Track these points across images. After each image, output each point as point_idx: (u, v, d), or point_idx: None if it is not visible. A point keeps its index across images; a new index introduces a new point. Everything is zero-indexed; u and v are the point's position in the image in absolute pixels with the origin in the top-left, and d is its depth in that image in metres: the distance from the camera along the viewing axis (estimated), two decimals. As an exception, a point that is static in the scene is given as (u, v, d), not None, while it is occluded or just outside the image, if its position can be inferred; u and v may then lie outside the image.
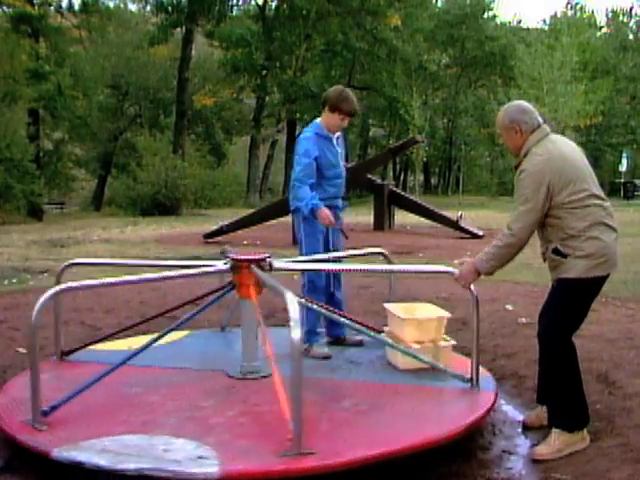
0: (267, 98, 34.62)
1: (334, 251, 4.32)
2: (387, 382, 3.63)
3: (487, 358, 4.46)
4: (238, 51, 32.74)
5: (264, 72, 32.71)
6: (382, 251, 4.41)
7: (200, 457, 2.64)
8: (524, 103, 3.29)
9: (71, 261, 4.10)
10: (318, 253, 4.21)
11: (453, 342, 3.89)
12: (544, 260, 3.27)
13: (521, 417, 3.60)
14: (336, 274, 4.35)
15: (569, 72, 28.53)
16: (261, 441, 2.81)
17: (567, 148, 3.18)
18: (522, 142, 3.19)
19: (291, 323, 2.67)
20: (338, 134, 4.30)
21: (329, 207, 4.18)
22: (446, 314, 3.97)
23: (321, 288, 4.24)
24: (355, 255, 4.55)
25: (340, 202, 4.39)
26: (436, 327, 3.89)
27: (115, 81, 35.50)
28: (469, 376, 3.52)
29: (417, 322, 3.87)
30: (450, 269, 3.54)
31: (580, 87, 28.38)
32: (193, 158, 27.13)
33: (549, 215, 3.10)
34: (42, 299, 2.99)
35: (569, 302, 3.14)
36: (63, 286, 3.19)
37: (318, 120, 4.28)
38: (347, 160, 4.85)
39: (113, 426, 2.98)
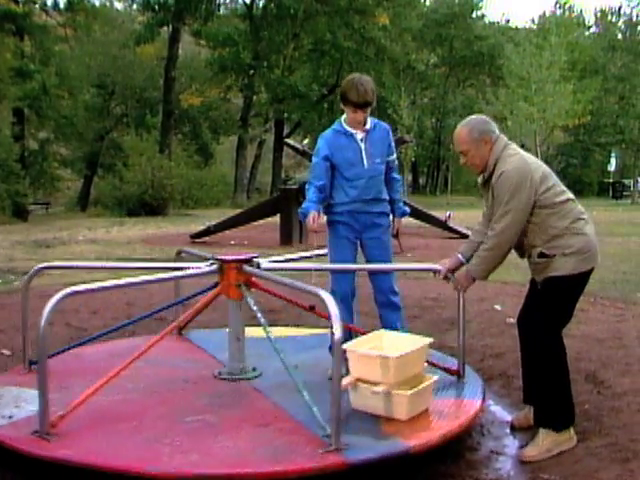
0: (254, 97, 34.57)
1: (369, 263, 3.93)
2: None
3: (476, 358, 4.47)
4: (225, 50, 32.70)
5: (251, 71, 32.68)
6: (439, 268, 3.53)
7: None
8: (482, 115, 3.33)
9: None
10: (345, 260, 3.83)
11: (434, 378, 3.27)
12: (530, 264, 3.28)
13: (509, 417, 3.60)
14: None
15: (557, 71, 28.73)
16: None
17: (528, 153, 3.30)
18: (489, 154, 3.19)
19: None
20: (368, 127, 3.86)
21: (357, 213, 3.85)
22: (426, 340, 3.36)
23: (344, 298, 3.78)
24: (405, 270, 4.29)
25: (378, 206, 3.91)
26: (417, 360, 3.26)
27: (101, 80, 35.35)
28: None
29: (399, 358, 3.09)
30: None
31: (569, 87, 28.58)
32: (180, 158, 27.03)
33: (529, 220, 3.12)
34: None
35: (560, 300, 3.16)
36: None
37: (344, 116, 3.93)
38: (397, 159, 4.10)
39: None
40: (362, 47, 33.32)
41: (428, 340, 3.34)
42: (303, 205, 3.79)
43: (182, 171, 24.96)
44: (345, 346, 3.09)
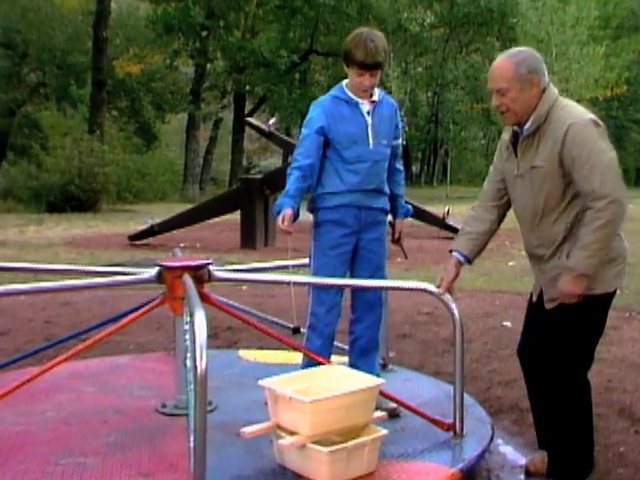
0: (209, 66, 34.43)
1: (358, 275, 3.81)
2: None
3: (480, 387, 4.50)
4: (171, 5, 32.52)
5: (204, 33, 32.52)
6: (433, 290, 3.46)
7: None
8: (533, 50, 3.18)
9: None
10: (334, 276, 3.70)
11: (381, 433, 3.13)
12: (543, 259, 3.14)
13: (523, 460, 3.60)
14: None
15: (585, 31, 28.45)
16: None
17: None
18: (534, 102, 3.04)
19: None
20: (375, 99, 3.77)
21: (357, 208, 3.72)
22: (376, 382, 3.23)
23: (328, 325, 3.74)
24: (387, 288, 4.13)
25: (379, 200, 3.81)
26: (356, 407, 3.07)
27: (8, 38, 34.66)
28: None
29: (316, 403, 2.92)
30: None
31: (599, 49, 28.27)
32: (115, 140, 26.84)
33: (575, 193, 2.99)
34: None
35: (590, 327, 3.11)
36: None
37: (345, 80, 3.82)
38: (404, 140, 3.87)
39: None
40: (342, 3, 33.37)
41: (379, 382, 3.21)
42: (279, 199, 3.68)
43: (118, 156, 24.79)
44: (263, 382, 3.09)
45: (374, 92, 3.79)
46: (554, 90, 3.11)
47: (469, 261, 3.33)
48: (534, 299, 3.26)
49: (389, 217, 3.97)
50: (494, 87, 3.07)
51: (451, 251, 3.35)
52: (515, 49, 3.17)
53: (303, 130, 3.78)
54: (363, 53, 3.61)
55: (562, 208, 3.03)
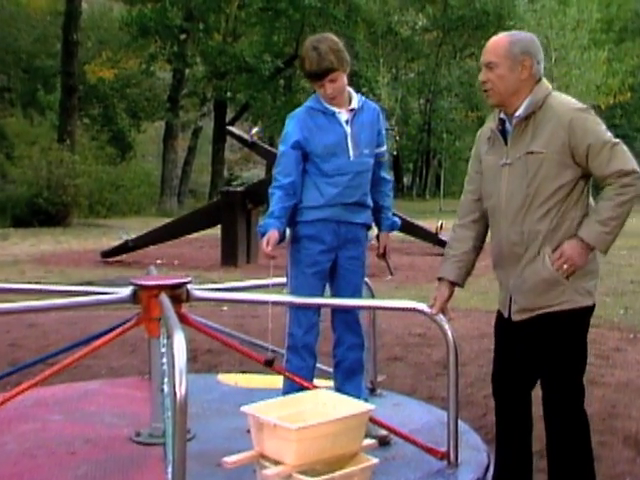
0: (187, 71, 34.46)
1: (338, 296, 3.83)
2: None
3: (476, 412, 4.50)
4: (147, 6, 32.56)
5: (183, 36, 32.58)
6: (425, 309, 3.48)
7: None
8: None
9: None
10: (312, 295, 3.72)
11: (372, 462, 3.12)
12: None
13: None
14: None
15: (587, 34, 28.55)
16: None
17: None
18: (518, 87, 3.11)
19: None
20: (353, 106, 3.79)
21: (336, 223, 3.73)
22: (365, 407, 3.22)
23: (306, 345, 3.77)
24: (377, 308, 4.21)
25: (361, 214, 3.82)
26: (344, 435, 3.05)
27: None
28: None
29: (303, 431, 2.91)
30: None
31: (601, 54, 28.35)
32: (87, 150, 26.82)
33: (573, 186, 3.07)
34: None
35: (581, 347, 3.12)
36: None
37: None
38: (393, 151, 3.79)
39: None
40: (328, 6, 33.54)
41: (368, 407, 3.20)
42: (263, 219, 3.69)
43: (90, 167, 24.79)
44: (246, 408, 3.05)
45: (352, 98, 3.81)
46: (547, 84, 3.19)
47: (460, 285, 3.34)
48: (505, 314, 3.22)
49: (375, 231, 3.98)
50: (485, 60, 3.16)
51: (439, 279, 3.36)
52: (517, 31, 3.28)
53: (280, 147, 3.81)
54: (308, 63, 3.68)
55: (552, 203, 3.04)
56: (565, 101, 3.14)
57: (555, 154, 3.02)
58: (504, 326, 3.24)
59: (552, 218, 3.05)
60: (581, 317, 3.09)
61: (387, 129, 18.97)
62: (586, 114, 3.07)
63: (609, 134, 3.05)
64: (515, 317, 3.14)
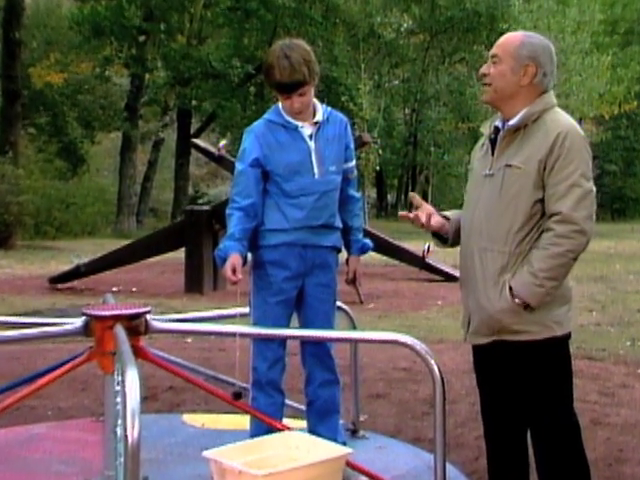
0: (147, 77, 34.49)
1: (306, 327, 3.84)
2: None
3: (467, 455, 4.50)
4: (101, 4, 32.55)
5: (142, 38, 32.62)
6: (410, 342, 3.46)
7: None
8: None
9: None
10: (277, 326, 3.72)
11: None
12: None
13: None
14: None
15: (588, 37, 28.74)
16: None
17: None
18: (515, 92, 3.15)
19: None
20: (318, 119, 3.80)
21: (302, 247, 3.74)
22: (345, 451, 3.26)
23: (271, 381, 3.80)
24: (358, 340, 4.18)
25: (329, 237, 3.83)
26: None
27: None
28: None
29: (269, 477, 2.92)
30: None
31: (605, 59, 28.59)
32: (33, 163, 26.73)
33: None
34: None
35: (555, 384, 3.14)
36: None
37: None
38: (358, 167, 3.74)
39: None
40: (304, 5, 33.74)
41: (345, 451, 3.22)
42: (221, 243, 3.69)
43: (36, 183, 24.71)
44: (208, 453, 3.05)
45: (317, 111, 3.82)
46: (554, 99, 3.23)
47: (447, 237, 3.47)
48: (464, 336, 3.28)
49: (345, 254, 3.98)
50: (492, 52, 3.23)
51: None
52: (538, 34, 3.33)
53: (237, 164, 3.80)
54: (278, 73, 3.65)
55: (520, 224, 3.06)
56: (563, 119, 3.15)
57: (532, 171, 3.05)
58: (480, 356, 3.30)
59: (519, 241, 3.07)
60: (546, 349, 3.09)
61: (371, 142, 18.99)
62: (578, 138, 3.08)
63: (588, 174, 3.04)
64: (471, 339, 3.21)
